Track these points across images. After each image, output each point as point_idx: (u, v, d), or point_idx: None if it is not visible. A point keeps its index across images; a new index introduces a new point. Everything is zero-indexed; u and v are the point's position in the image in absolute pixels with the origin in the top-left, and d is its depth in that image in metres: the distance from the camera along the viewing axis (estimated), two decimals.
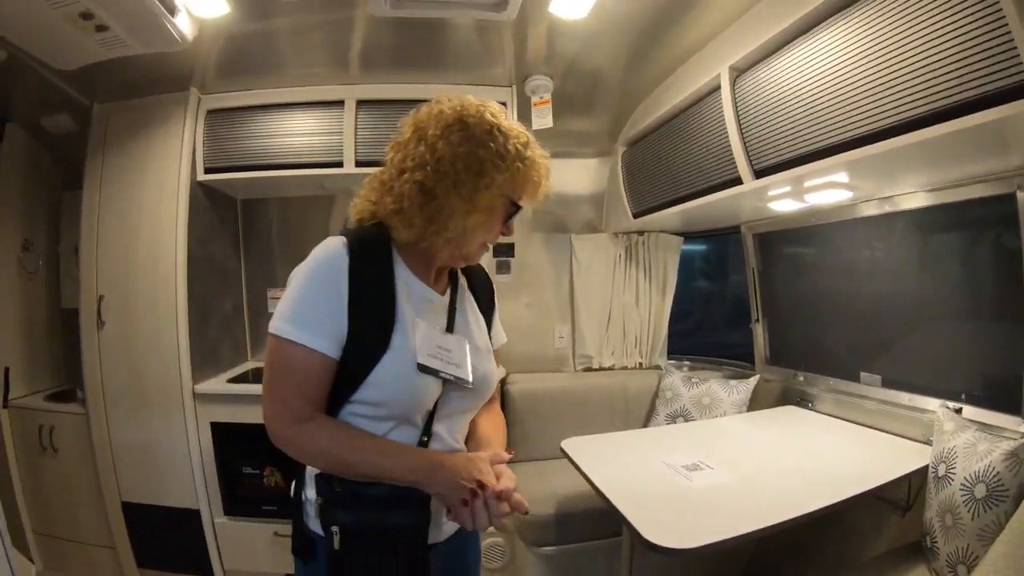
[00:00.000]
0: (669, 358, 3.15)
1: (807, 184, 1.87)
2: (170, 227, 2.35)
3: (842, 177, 1.76)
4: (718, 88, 1.99)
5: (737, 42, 1.88)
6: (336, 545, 0.89)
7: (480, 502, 0.88)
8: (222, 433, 2.35)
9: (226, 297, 2.79)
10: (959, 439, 1.55)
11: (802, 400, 2.40)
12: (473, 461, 0.94)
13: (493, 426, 1.13)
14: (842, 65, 1.46)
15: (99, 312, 2.34)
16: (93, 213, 2.38)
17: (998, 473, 1.38)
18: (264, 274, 2.94)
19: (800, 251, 2.55)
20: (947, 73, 1.21)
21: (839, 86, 1.48)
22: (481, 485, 0.89)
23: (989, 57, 1.12)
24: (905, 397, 1.96)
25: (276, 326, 0.90)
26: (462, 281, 1.13)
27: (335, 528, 0.89)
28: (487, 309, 1.17)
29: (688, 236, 3.13)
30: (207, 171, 2.44)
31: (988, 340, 1.79)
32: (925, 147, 1.33)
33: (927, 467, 1.64)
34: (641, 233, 3.06)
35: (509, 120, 0.99)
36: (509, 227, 1.02)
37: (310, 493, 0.96)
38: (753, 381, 2.57)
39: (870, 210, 2.03)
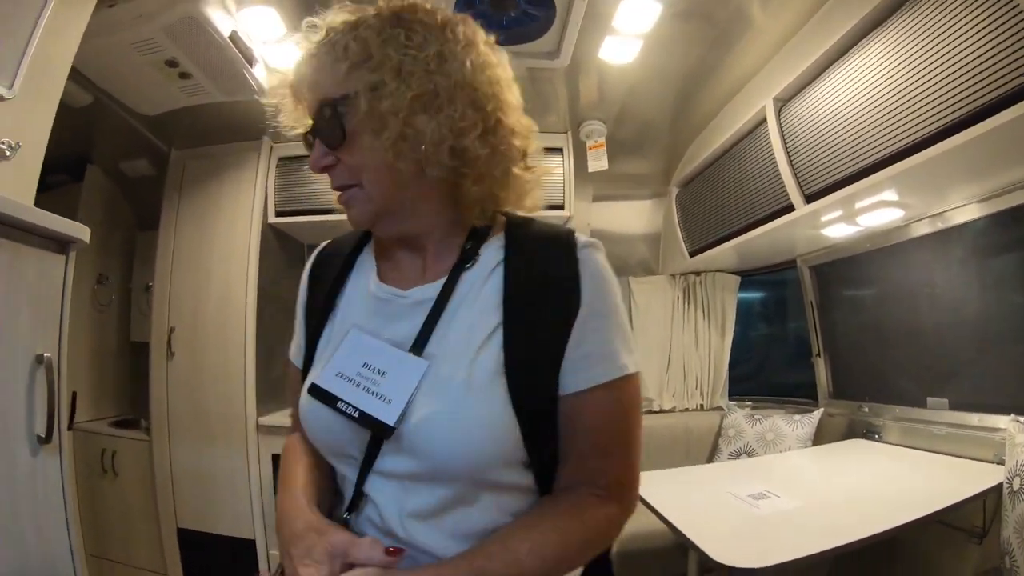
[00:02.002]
0: (730, 399, 3.27)
1: (857, 205, 2.07)
2: (241, 266, 2.68)
3: (891, 194, 1.96)
4: (764, 120, 2.27)
5: (778, 74, 2.17)
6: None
7: None
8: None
9: (292, 337, 3.05)
10: None
11: (868, 432, 2.49)
12: (306, 541, 0.65)
13: (550, 529, 0.68)
14: (878, 83, 1.71)
15: (169, 343, 2.64)
16: (168, 251, 2.74)
17: None
18: None
19: (857, 281, 2.72)
20: (978, 74, 1.41)
21: (878, 103, 1.72)
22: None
23: (1016, 52, 1.32)
24: (974, 418, 2.06)
25: None
26: (487, 258, 0.76)
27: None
28: (549, 309, 0.70)
29: (745, 275, 3.34)
30: (278, 214, 2.80)
31: None
32: (967, 150, 1.52)
33: (1000, 487, 1.73)
34: (698, 273, 3.28)
35: None
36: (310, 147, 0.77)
37: None
38: (817, 415, 2.68)
39: (923, 229, 2.21)
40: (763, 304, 4.03)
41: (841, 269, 2.75)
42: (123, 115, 2.51)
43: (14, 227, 1.13)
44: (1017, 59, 1.33)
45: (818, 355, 2.83)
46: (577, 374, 0.69)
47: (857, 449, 2.41)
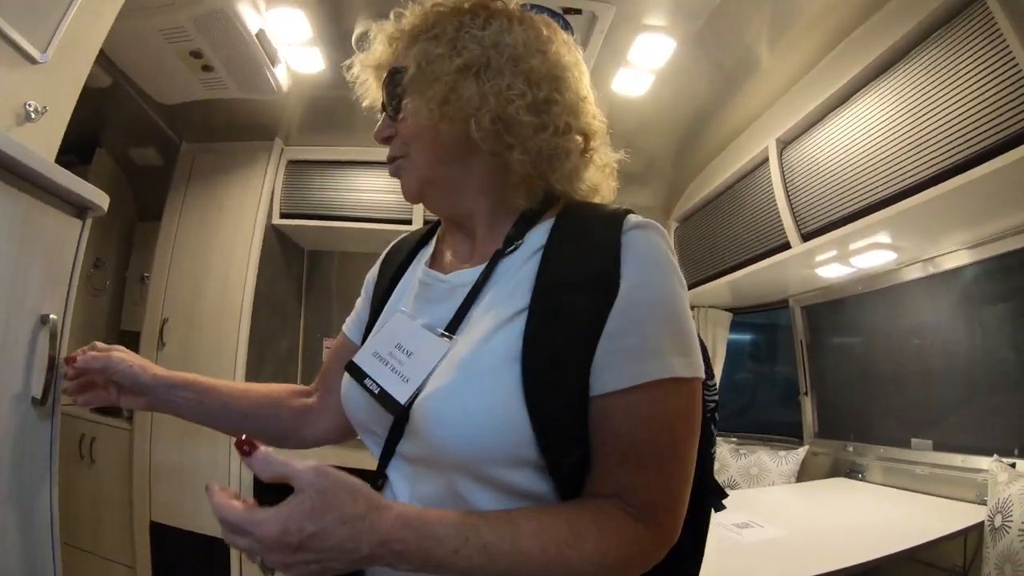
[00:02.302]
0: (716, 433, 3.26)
1: (852, 246, 2.15)
2: (241, 262, 2.69)
3: (885, 237, 2.05)
4: (766, 160, 2.36)
5: (782, 117, 2.27)
6: None
7: None
8: None
9: (284, 338, 3.12)
10: (1014, 488, 1.69)
11: (852, 471, 2.52)
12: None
13: (563, 522, 0.59)
14: (878, 128, 1.80)
15: (161, 333, 2.62)
16: (169, 241, 2.75)
17: None
18: (321, 324, 3.29)
19: (847, 323, 2.78)
20: (972, 122, 1.51)
21: (877, 147, 1.81)
22: None
23: (1008, 103, 1.41)
24: (957, 459, 2.09)
25: None
26: (530, 243, 0.71)
27: None
28: (581, 292, 0.63)
29: (737, 312, 3.39)
30: (283, 216, 2.84)
31: None
32: (959, 195, 1.60)
33: (982, 525, 1.76)
34: (692, 308, 3.29)
35: None
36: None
37: None
38: (802, 452, 2.71)
39: (914, 273, 2.28)
40: (753, 346, 4.10)
41: (832, 310, 2.81)
42: (139, 102, 2.54)
43: (34, 183, 1.13)
44: (1009, 108, 1.42)
45: (805, 394, 2.86)
46: (609, 372, 0.60)
47: (840, 487, 2.44)
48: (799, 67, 2.15)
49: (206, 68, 2.25)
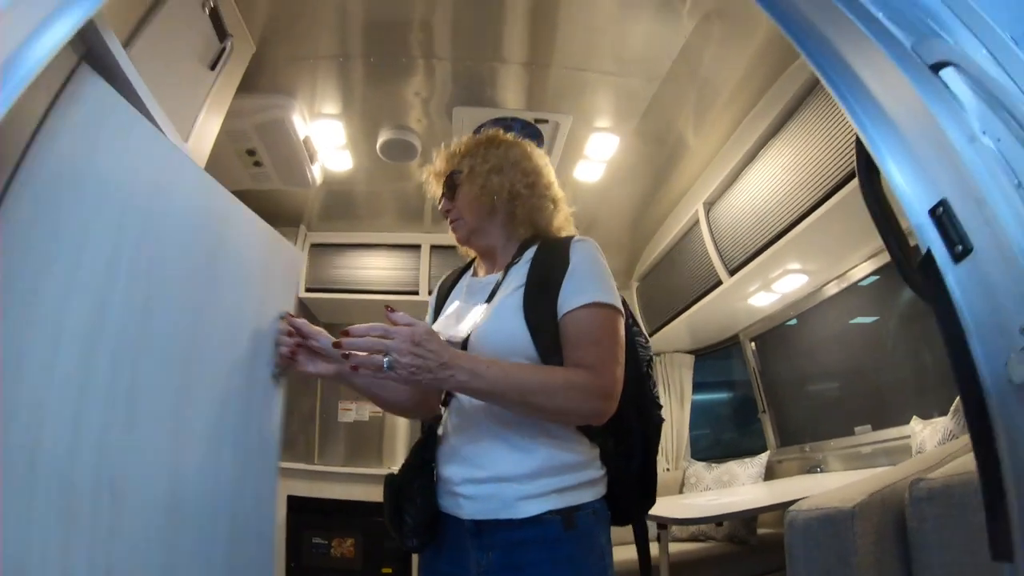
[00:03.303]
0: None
1: (770, 275, 2.77)
2: None
3: (793, 262, 2.67)
4: (697, 222, 3.03)
5: (706, 184, 2.96)
6: None
7: None
8: (297, 505, 2.84)
9: (305, 399, 3.53)
10: (926, 431, 2.19)
11: (812, 469, 2.94)
12: None
13: (531, 366, 1.09)
14: (773, 179, 2.46)
15: None
16: None
17: (951, 431, 2.00)
18: (335, 388, 3.65)
19: (789, 345, 3.34)
20: (832, 161, 2.14)
21: (773, 193, 2.46)
22: None
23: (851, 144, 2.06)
24: (893, 431, 2.54)
25: None
26: (525, 256, 1.22)
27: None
28: (552, 273, 1.15)
29: (698, 353, 3.98)
30: (307, 290, 3.38)
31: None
32: (832, 215, 2.20)
33: None
34: (658, 354, 3.87)
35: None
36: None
37: None
38: (765, 456, 3.16)
39: (832, 290, 2.87)
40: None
41: (775, 337, 3.38)
42: None
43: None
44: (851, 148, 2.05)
45: (763, 412, 3.35)
46: (566, 302, 1.11)
47: (803, 479, 2.84)
48: (717, 142, 2.82)
49: (257, 164, 2.71)
